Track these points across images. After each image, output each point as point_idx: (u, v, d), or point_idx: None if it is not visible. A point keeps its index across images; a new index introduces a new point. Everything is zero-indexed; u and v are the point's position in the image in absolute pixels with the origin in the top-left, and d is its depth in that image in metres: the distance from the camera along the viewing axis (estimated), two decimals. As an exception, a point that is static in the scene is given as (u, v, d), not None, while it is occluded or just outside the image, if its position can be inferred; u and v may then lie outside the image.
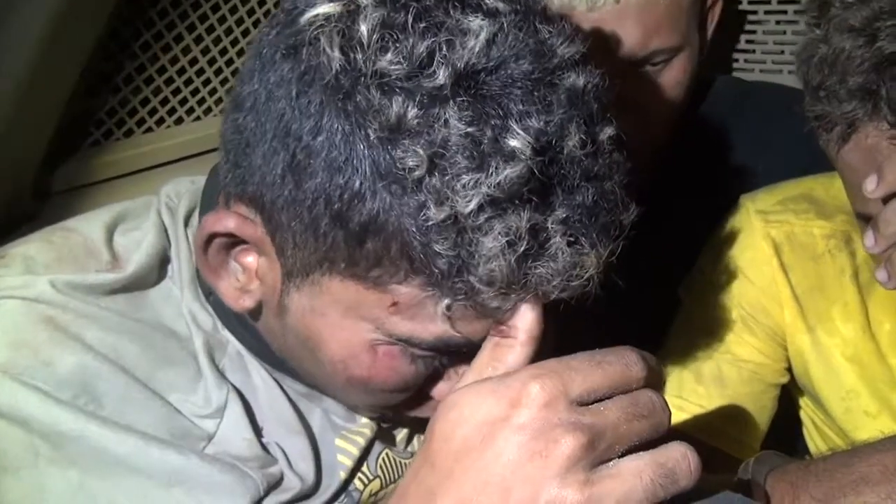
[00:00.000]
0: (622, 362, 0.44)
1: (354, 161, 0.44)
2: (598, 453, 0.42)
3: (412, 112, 0.43)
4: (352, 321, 0.50)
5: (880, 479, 0.54)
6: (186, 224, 0.60)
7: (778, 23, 1.07)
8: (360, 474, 0.63)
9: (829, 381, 0.80)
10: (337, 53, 0.44)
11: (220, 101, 0.93)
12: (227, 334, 0.58)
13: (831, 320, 0.79)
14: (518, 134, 0.43)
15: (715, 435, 0.81)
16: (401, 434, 0.68)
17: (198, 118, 0.92)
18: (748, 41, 1.10)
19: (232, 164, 0.50)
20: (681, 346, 0.83)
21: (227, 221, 0.50)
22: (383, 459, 0.65)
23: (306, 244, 0.47)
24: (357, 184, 0.44)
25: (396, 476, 0.66)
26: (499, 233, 0.43)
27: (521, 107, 0.44)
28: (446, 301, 0.46)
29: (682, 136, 0.98)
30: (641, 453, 0.43)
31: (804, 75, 0.66)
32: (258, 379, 0.59)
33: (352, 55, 0.44)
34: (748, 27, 1.09)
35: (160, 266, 0.58)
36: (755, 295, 0.82)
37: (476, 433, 0.42)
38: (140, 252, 0.56)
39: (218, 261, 0.52)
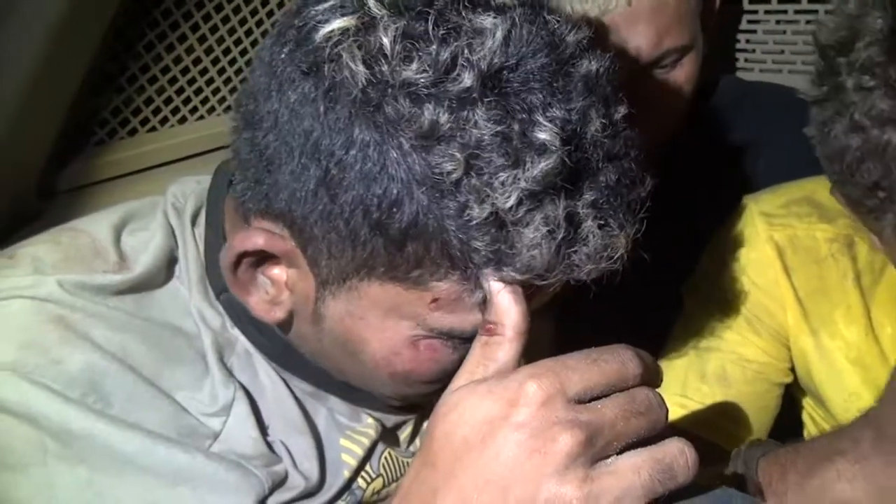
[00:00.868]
0: (618, 360, 0.45)
1: (390, 169, 0.45)
2: (596, 450, 0.42)
3: (444, 117, 0.43)
4: (393, 321, 0.51)
5: (850, 448, 0.59)
6: (193, 224, 0.60)
7: (778, 22, 1.07)
8: (363, 473, 0.64)
9: (832, 383, 0.81)
10: (361, 67, 0.44)
11: (223, 100, 0.93)
12: (235, 333, 0.58)
13: (834, 323, 0.79)
14: (545, 126, 0.44)
15: (717, 432, 0.81)
16: (404, 434, 0.68)
17: (201, 117, 0.92)
18: (748, 41, 1.10)
19: (252, 181, 0.51)
20: (684, 345, 0.84)
21: (257, 239, 0.50)
22: (386, 459, 0.66)
23: (343, 254, 0.48)
24: (395, 191, 0.45)
25: (398, 475, 0.66)
26: (539, 223, 0.45)
27: (543, 99, 0.45)
28: (482, 291, 0.47)
29: (684, 136, 0.98)
30: (639, 450, 0.43)
31: (834, 166, 0.64)
32: (265, 378, 0.59)
33: (377, 67, 0.44)
34: (748, 26, 1.09)
35: (168, 267, 0.58)
36: (759, 296, 0.82)
37: (476, 433, 0.43)
38: (147, 254, 0.57)
39: (247, 277, 0.53)
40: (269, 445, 0.57)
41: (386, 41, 0.44)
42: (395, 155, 0.45)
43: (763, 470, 0.62)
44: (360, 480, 0.63)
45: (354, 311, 0.51)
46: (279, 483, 0.56)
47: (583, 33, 0.48)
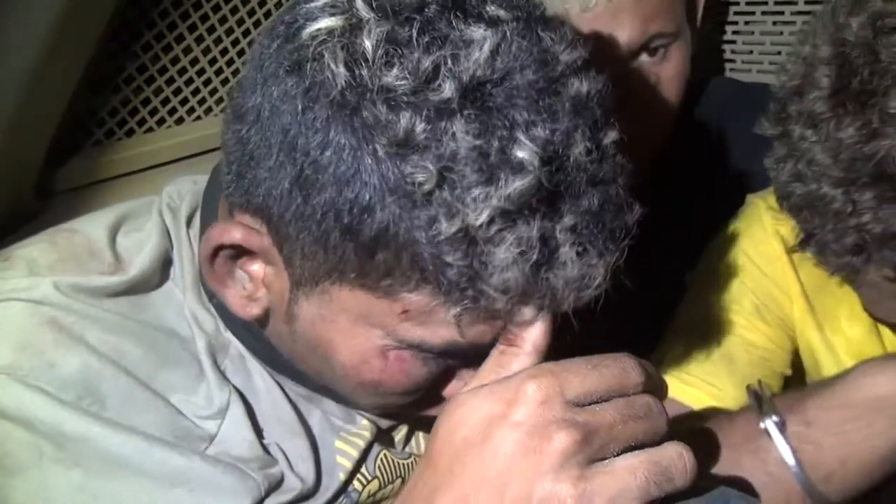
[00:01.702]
0: (619, 367, 0.45)
1: (363, 175, 0.44)
2: (592, 450, 0.43)
3: (420, 126, 0.43)
4: (362, 328, 0.50)
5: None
6: (189, 225, 0.60)
7: (775, 24, 1.07)
8: (358, 475, 0.64)
9: None
10: (342, 69, 0.44)
11: (220, 100, 0.93)
12: (229, 336, 0.59)
13: (836, 319, 0.79)
14: (525, 144, 0.43)
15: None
16: (399, 435, 0.69)
17: (198, 118, 0.92)
18: (745, 42, 1.10)
19: (235, 174, 0.50)
20: (688, 327, 0.83)
21: (234, 233, 0.50)
22: (381, 460, 0.66)
23: (315, 256, 0.48)
24: (367, 197, 0.44)
25: (394, 476, 0.66)
26: (510, 244, 0.43)
27: (526, 117, 0.44)
28: (457, 309, 0.46)
29: (679, 137, 0.98)
30: (637, 451, 0.44)
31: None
32: (259, 380, 0.59)
33: (357, 71, 0.44)
34: (745, 28, 1.09)
35: (162, 269, 0.58)
36: (767, 286, 0.81)
37: (475, 432, 0.43)
38: (142, 255, 0.57)
39: (224, 271, 0.53)
40: (265, 448, 0.57)
41: (368, 44, 0.43)
42: (369, 161, 0.44)
43: (779, 398, 0.62)
44: (355, 483, 0.63)
45: (326, 314, 0.51)
46: (275, 485, 0.56)
47: (577, 53, 0.47)
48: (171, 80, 0.88)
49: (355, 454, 0.62)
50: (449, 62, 0.43)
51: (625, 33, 0.80)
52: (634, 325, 0.80)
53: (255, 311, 0.54)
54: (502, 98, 0.44)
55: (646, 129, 0.82)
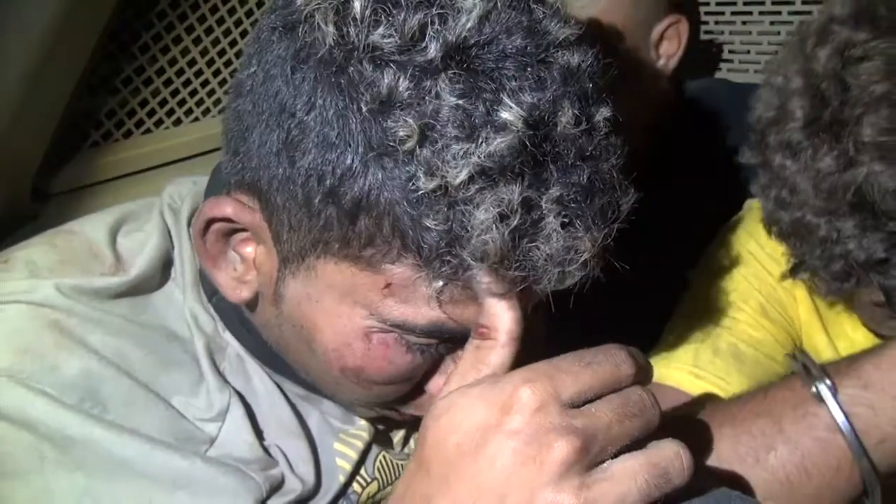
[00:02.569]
0: (611, 362, 0.44)
1: (347, 136, 0.44)
2: (591, 456, 0.42)
3: (403, 84, 0.43)
4: (346, 307, 0.50)
5: None
6: (189, 225, 0.60)
7: (772, 24, 1.07)
8: (358, 477, 0.63)
9: None
10: (331, 28, 0.44)
11: (217, 102, 0.93)
12: (228, 337, 0.58)
13: (841, 325, 0.79)
14: (510, 107, 0.43)
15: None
16: (397, 436, 0.68)
17: (196, 119, 0.92)
18: (742, 42, 1.11)
19: (232, 152, 0.51)
20: (694, 323, 0.82)
21: (225, 207, 0.50)
22: (380, 462, 0.66)
23: (301, 225, 0.48)
24: (349, 159, 0.44)
25: (394, 478, 0.66)
26: (490, 204, 0.43)
27: (514, 82, 0.44)
28: (439, 282, 0.46)
29: (676, 137, 0.99)
30: (635, 453, 0.43)
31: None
32: (258, 382, 0.59)
33: (345, 29, 0.44)
34: (743, 28, 1.10)
35: (163, 269, 0.58)
36: (773, 287, 0.81)
37: (469, 439, 0.43)
38: (143, 256, 0.57)
39: (216, 249, 0.53)
40: (265, 449, 0.57)
41: (357, 4, 0.44)
42: (353, 120, 0.44)
43: (828, 365, 0.61)
44: (355, 485, 0.63)
45: (312, 293, 0.50)
46: (276, 487, 0.56)
47: (570, 29, 0.47)
48: (168, 82, 0.88)
49: (354, 456, 0.62)
50: (436, 22, 0.43)
51: None
52: (632, 325, 0.80)
53: (244, 293, 0.53)
54: (490, 61, 0.44)
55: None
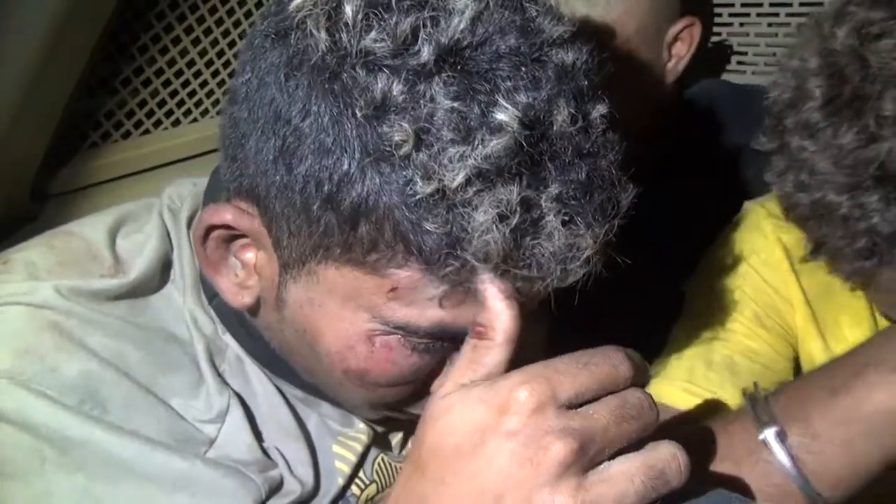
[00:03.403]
0: (609, 363, 0.44)
1: (342, 142, 0.44)
2: (589, 458, 0.42)
3: (397, 88, 0.43)
4: (349, 311, 0.50)
5: (884, 357, 0.59)
6: (189, 227, 0.60)
7: (770, 25, 1.07)
8: (356, 480, 0.63)
9: None
10: (324, 35, 0.44)
11: (216, 103, 0.93)
12: (227, 339, 0.58)
13: (839, 327, 0.79)
14: (505, 108, 0.43)
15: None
16: (395, 439, 0.68)
17: (195, 120, 0.92)
18: (740, 43, 1.11)
19: (230, 159, 0.51)
20: (689, 337, 0.82)
21: (225, 214, 0.50)
22: (379, 464, 0.66)
23: (300, 232, 0.48)
24: (346, 165, 0.44)
25: (392, 480, 0.66)
26: (489, 206, 0.43)
27: (508, 82, 0.44)
28: (445, 284, 0.46)
29: (674, 138, 0.99)
30: (631, 455, 0.43)
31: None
32: (257, 384, 0.59)
33: (338, 35, 0.44)
34: (740, 29, 1.10)
35: (163, 271, 0.58)
36: (769, 294, 0.81)
37: (467, 441, 0.42)
38: (143, 258, 0.57)
39: (217, 256, 0.53)
40: (264, 451, 0.57)
41: (349, 9, 0.44)
42: (348, 126, 0.44)
43: (776, 403, 0.61)
44: (353, 487, 0.63)
45: (314, 297, 0.50)
46: (275, 488, 0.56)
47: (563, 27, 0.47)
48: (167, 83, 0.88)
49: (353, 458, 0.62)
50: (428, 25, 0.43)
51: None
52: (632, 324, 0.80)
53: (246, 299, 0.53)
54: (484, 63, 0.44)
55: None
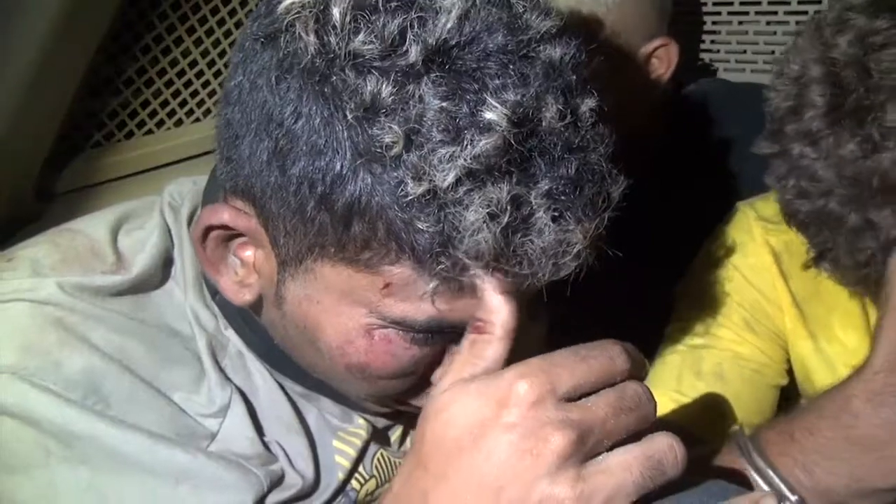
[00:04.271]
0: (606, 356, 0.45)
1: (334, 143, 0.45)
2: (587, 449, 0.42)
3: (386, 90, 0.43)
4: (346, 307, 0.50)
5: (860, 390, 0.59)
6: (190, 224, 0.60)
7: (768, 23, 1.08)
8: (356, 475, 0.64)
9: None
10: (312, 38, 0.44)
11: (219, 102, 0.94)
12: (229, 334, 0.59)
13: (830, 328, 0.79)
14: (494, 107, 0.43)
15: (711, 430, 0.81)
16: (395, 434, 0.69)
17: (197, 120, 0.93)
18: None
19: (225, 158, 0.51)
20: (679, 343, 0.83)
21: (222, 214, 0.51)
22: (378, 459, 0.66)
23: (296, 231, 0.48)
24: (338, 166, 0.45)
25: (391, 475, 0.66)
26: (479, 205, 0.43)
27: (496, 81, 0.44)
28: (436, 281, 0.46)
29: (671, 137, 0.99)
30: (629, 446, 0.44)
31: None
32: (259, 379, 0.59)
33: (326, 38, 0.44)
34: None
35: (164, 267, 0.58)
36: (757, 298, 0.81)
37: (467, 434, 0.43)
38: (144, 254, 0.57)
39: (217, 255, 0.53)
40: (266, 445, 0.57)
41: (337, 12, 0.44)
42: (339, 128, 0.44)
43: (763, 440, 0.62)
44: (353, 482, 0.64)
45: (311, 294, 0.51)
46: (277, 482, 0.56)
47: (551, 21, 0.47)
48: (169, 83, 0.88)
49: (353, 453, 0.63)
50: (415, 26, 0.44)
51: None
52: (629, 321, 0.80)
53: (247, 297, 0.54)
54: (472, 62, 0.44)
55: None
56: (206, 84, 0.92)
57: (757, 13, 1.08)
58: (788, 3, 1.04)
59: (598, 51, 0.50)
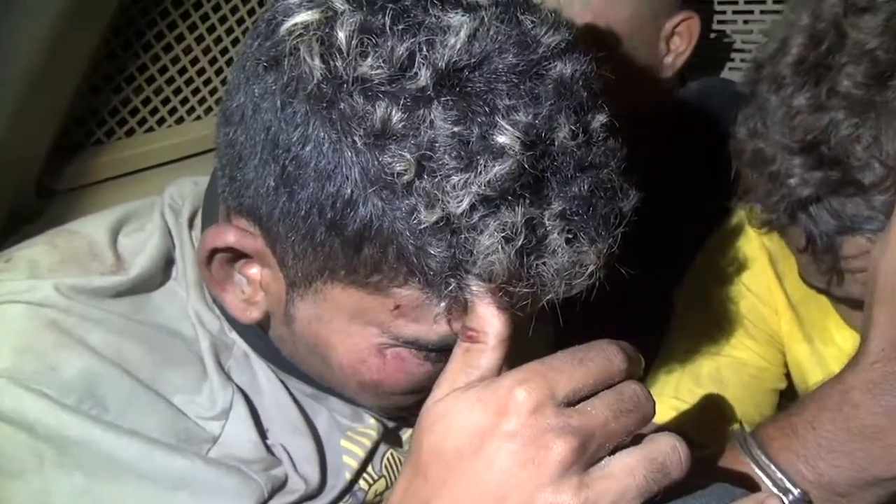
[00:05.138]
0: (603, 357, 0.44)
1: (343, 169, 0.44)
2: (589, 454, 0.42)
3: (396, 116, 0.42)
4: (358, 327, 0.50)
5: (859, 381, 0.58)
6: (191, 226, 0.60)
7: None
8: (365, 475, 0.63)
9: None
10: (318, 62, 0.43)
11: (220, 100, 0.93)
12: (234, 336, 0.58)
13: (826, 330, 0.79)
14: (506, 129, 0.42)
15: (711, 435, 0.81)
16: (406, 434, 0.68)
17: (199, 117, 0.92)
18: (743, 41, 1.11)
19: (228, 177, 0.50)
20: (678, 349, 0.83)
21: (227, 236, 0.50)
22: (388, 460, 0.65)
23: (305, 254, 0.48)
24: (348, 191, 0.44)
25: (401, 476, 0.66)
26: (494, 229, 0.43)
27: (507, 101, 0.43)
28: (445, 302, 0.46)
29: (674, 136, 0.99)
30: (632, 449, 0.43)
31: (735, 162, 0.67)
32: (264, 380, 0.59)
33: (332, 63, 0.43)
34: (743, 27, 1.10)
35: (164, 268, 0.58)
36: (753, 302, 0.81)
37: (466, 443, 0.42)
38: (144, 255, 0.57)
39: (222, 274, 0.53)
40: (269, 448, 0.57)
41: (342, 35, 0.43)
42: (349, 153, 0.44)
43: (764, 435, 0.61)
44: (361, 482, 0.63)
45: (322, 314, 0.50)
46: (279, 487, 0.56)
47: (560, 35, 0.46)
48: (171, 80, 0.88)
49: (361, 454, 0.62)
50: (424, 49, 0.42)
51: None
52: (629, 322, 0.80)
53: (254, 314, 0.53)
54: (482, 83, 0.43)
55: None
56: (207, 81, 0.91)
57: (762, 12, 1.07)
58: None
59: (611, 51, 0.49)
